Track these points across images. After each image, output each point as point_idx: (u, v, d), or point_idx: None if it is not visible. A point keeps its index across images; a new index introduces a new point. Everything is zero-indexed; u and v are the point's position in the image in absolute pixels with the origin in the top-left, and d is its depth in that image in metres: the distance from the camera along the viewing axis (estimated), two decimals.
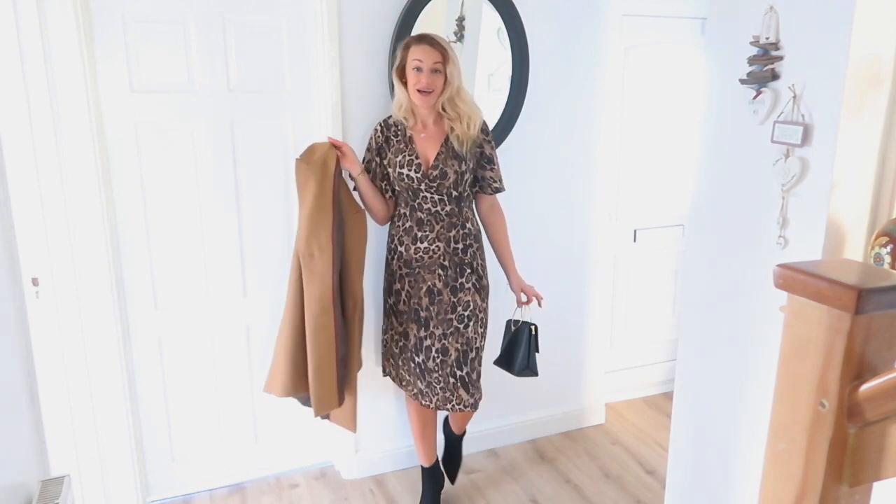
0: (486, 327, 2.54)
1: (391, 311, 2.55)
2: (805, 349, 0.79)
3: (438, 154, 2.39)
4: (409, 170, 2.38)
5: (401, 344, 2.53)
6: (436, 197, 2.40)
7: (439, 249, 2.42)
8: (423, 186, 2.39)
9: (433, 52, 2.30)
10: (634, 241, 3.51)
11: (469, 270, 2.46)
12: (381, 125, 2.48)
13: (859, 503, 0.81)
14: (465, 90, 2.40)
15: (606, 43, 3.03)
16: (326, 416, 2.56)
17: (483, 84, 2.85)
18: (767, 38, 1.87)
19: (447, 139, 2.40)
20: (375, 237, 2.62)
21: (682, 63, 3.37)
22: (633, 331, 3.64)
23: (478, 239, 2.52)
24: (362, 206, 2.48)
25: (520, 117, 2.88)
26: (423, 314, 2.45)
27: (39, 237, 2.31)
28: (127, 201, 2.49)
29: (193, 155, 2.55)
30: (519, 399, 3.18)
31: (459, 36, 2.75)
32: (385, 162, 2.45)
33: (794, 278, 0.80)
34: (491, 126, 2.82)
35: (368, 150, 2.50)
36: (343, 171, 2.40)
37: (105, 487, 2.58)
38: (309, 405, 2.46)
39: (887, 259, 1.59)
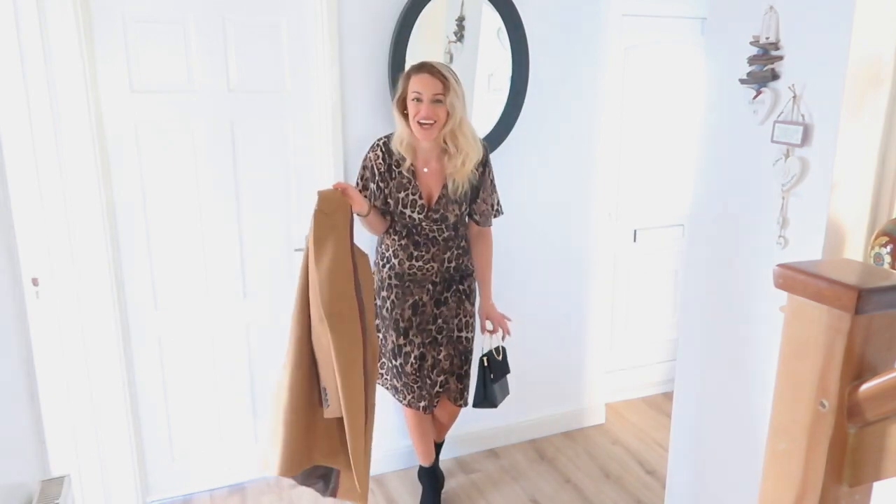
0: (473, 328, 2.56)
1: (376, 313, 2.52)
2: (805, 349, 0.79)
3: (440, 198, 2.35)
4: (413, 210, 2.34)
5: (381, 342, 2.55)
6: (434, 226, 2.39)
7: (433, 269, 2.42)
8: (424, 223, 2.37)
9: (433, 82, 2.21)
10: (634, 241, 3.51)
11: (456, 284, 2.48)
12: (382, 150, 2.35)
13: (859, 503, 0.81)
14: (467, 123, 2.32)
15: (606, 43, 3.03)
16: (332, 493, 2.30)
17: (483, 84, 2.85)
18: (767, 38, 1.87)
19: (446, 182, 2.34)
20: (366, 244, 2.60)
21: (682, 63, 3.37)
22: (633, 331, 3.64)
23: (467, 252, 2.51)
24: (363, 251, 2.27)
25: (520, 117, 2.88)
26: (402, 325, 2.46)
27: (39, 237, 2.31)
28: (127, 201, 2.49)
29: (193, 155, 2.55)
30: (519, 399, 3.18)
31: (459, 36, 2.75)
32: (387, 191, 2.36)
33: (794, 278, 0.80)
34: (491, 126, 2.82)
35: (366, 168, 2.38)
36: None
37: (105, 487, 2.58)
38: (316, 485, 2.29)
39: (887, 259, 1.59)
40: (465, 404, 2.58)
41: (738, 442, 2.13)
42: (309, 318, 2.11)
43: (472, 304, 2.54)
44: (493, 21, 2.77)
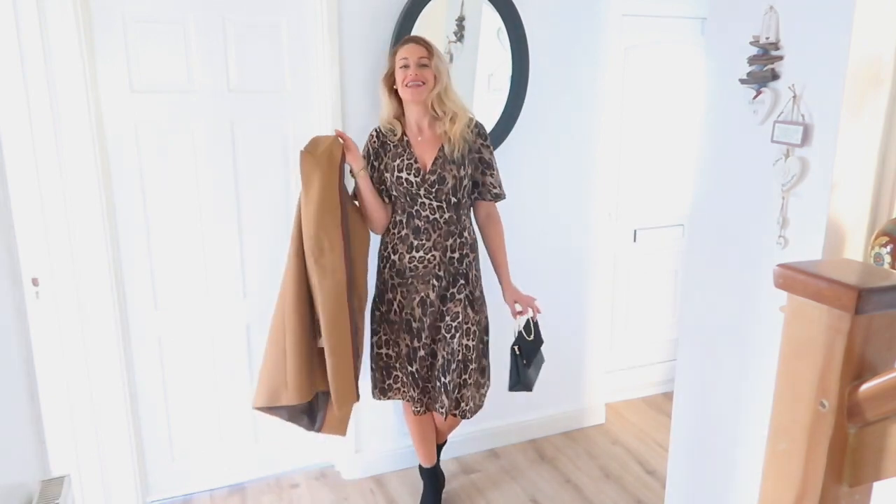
0: (480, 339, 2.46)
1: (382, 320, 2.48)
2: (805, 349, 0.79)
3: (436, 158, 2.34)
4: (409, 174, 2.33)
5: (391, 353, 2.48)
6: (434, 204, 2.35)
7: (435, 259, 2.37)
8: (421, 192, 2.34)
9: (418, 48, 2.30)
10: (634, 241, 3.51)
11: (462, 281, 2.41)
12: (376, 130, 2.43)
13: (859, 503, 0.81)
14: (453, 90, 2.37)
15: (606, 43, 3.03)
16: (318, 429, 2.46)
17: (483, 84, 2.85)
18: (767, 38, 1.87)
19: (443, 145, 2.36)
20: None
21: (682, 63, 3.37)
22: (633, 331, 3.64)
23: (474, 248, 2.47)
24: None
25: (520, 117, 2.88)
26: (415, 325, 2.42)
27: (39, 237, 2.31)
28: (127, 201, 2.49)
29: (193, 155, 2.55)
30: (519, 399, 3.17)
31: (459, 36, 2.75)
32: (382, 167, 2.40)
33: (794, 278, 0.80)
34: (491, 126, 2.82)
35: (364, 157, 2.42)
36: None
37: (105, 487, 2.58)
38: (301, 421, 2.41)
39: (887, 259, 1.59)
40: (464, 416, 2.46)
41: (738, 442, 2.13)
42: (303, 254, 2.27)
43: (476, 313, 2.44)
44: (493, 21, 2.77)
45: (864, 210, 1.78)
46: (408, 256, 2.38)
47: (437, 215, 2.36)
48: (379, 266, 2.49)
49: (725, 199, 2.10)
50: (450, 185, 2.34)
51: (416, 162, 2.35)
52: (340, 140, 2.33)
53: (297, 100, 2.63)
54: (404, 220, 2.39)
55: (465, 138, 2.36)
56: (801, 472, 0.80)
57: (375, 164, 2.41)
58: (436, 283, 2.39)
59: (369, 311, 2.54)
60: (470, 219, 2.49)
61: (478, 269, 2.50)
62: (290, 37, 2.57)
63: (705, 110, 2.16)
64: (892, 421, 0.75)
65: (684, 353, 2.35)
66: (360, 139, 2.60)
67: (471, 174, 2.41)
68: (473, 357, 2.44)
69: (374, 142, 2.42)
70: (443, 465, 2.89)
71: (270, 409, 2.38)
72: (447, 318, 2.41)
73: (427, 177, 2.34)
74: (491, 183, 2.45)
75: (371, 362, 2.55)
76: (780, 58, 1.85)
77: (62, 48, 2.24)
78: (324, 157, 2.27)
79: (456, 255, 2.40)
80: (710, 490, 2.28)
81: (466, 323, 2.42)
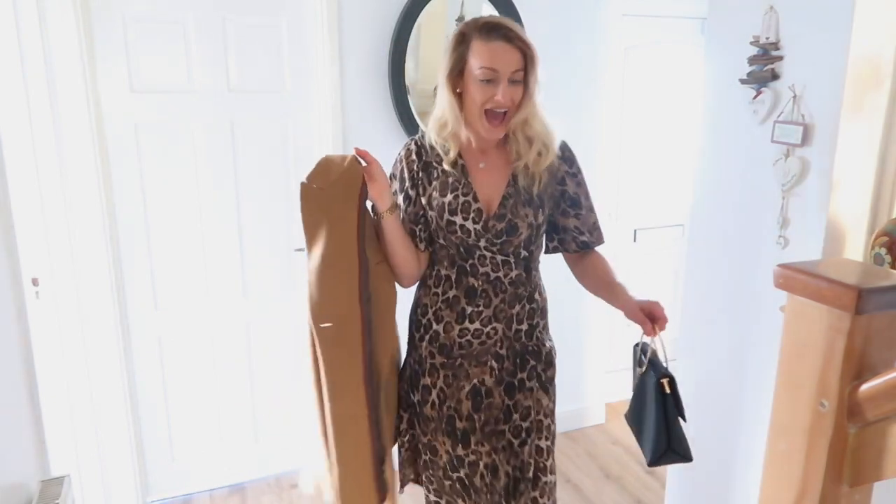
0: (553, 432, 1.78)
1: (414, 414, 1.73)
2: (805, 349, 0.79)
3: (506, 197, 1.60)
4: (465, 218, 1.58)
5: (426, 458, 1.72)
6: (498, 258, 1.62)
7: (496, 332, 1.64)
8: (482, 242, 1.60)
9: (512, 53, 1.50)
10: (634, 241, 3.51)
11: (533, 362, 1.71)
12: (416, 144, 1.66)
13: (859, 503, 0.81)
14: (540, 105, 1.64)
15: (606, 43, 3.03)
16: None
17: None
18: (767, 38, 1.87)
19: (515, 175, 1.62)
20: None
21: (682, 63, 3.37)
22: (633, 331, 3.63)
23: (545, 314, 1.77)
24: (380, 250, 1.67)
25: None
26: (459, 426, 1.66)
27: (39, 237, 2.31)
28: (127, 201, 2.49)
29: (193, 155, 2.55)
30: None
31: None
32: (424, 201, 1.63)
33: (794, 278, 0.80)
34: None
35: (394, 176, 1.68)
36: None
37: (105, 487, 2.58)
38: None
39: (887, 259, 1.59)
40: None
41: (738, 442, 2.13)
42: None
43: (550, 398, 1.77)
44: None
45: (864, 210, 1.78)
46: (458, 328, 1.64)
47: (500, 273, 1.63)
48: (413, 337, 1.72)
49: (725, 199, 2.11)
50: (524, 236, 1.62)
51: (475, 200, 1.59)
52: (361, 162, 1.57)
53: (297, 100, 2.63)
54: (453, 278, 1.64)
55: (553, 175, 1.66)
56: (801, 472, 0.80)
57: (411, 194, 1.64)
58: (495, 364, 1.66)
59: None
60: (540, 272, 1.76)
61: (549, 337, 1.82)
62: (290, 37, 2.57)
63: (705, 110, 2.16)
64: (892, 421, 0.75)
65: (684, 353, 2.35)
66: (359, 141, 2.60)
67: (549, 215, 1.69)
68: (549, 465, 1.73)
69: (413, 163, 1.64)
70: None
71: None
72: (515, 417, 1.69)
73: (492, 224, 1.59)
74: (576, 227, 1.73)
75: (400, 449, 1.78)
76: (780, 58, 1.85)
77: (62, 48, 2.24)
78: (336, 192, 1.55)
79: (524, 326, 1.68)
80: (710, 490, 2.28)
81: (539, 415, 1.73)
